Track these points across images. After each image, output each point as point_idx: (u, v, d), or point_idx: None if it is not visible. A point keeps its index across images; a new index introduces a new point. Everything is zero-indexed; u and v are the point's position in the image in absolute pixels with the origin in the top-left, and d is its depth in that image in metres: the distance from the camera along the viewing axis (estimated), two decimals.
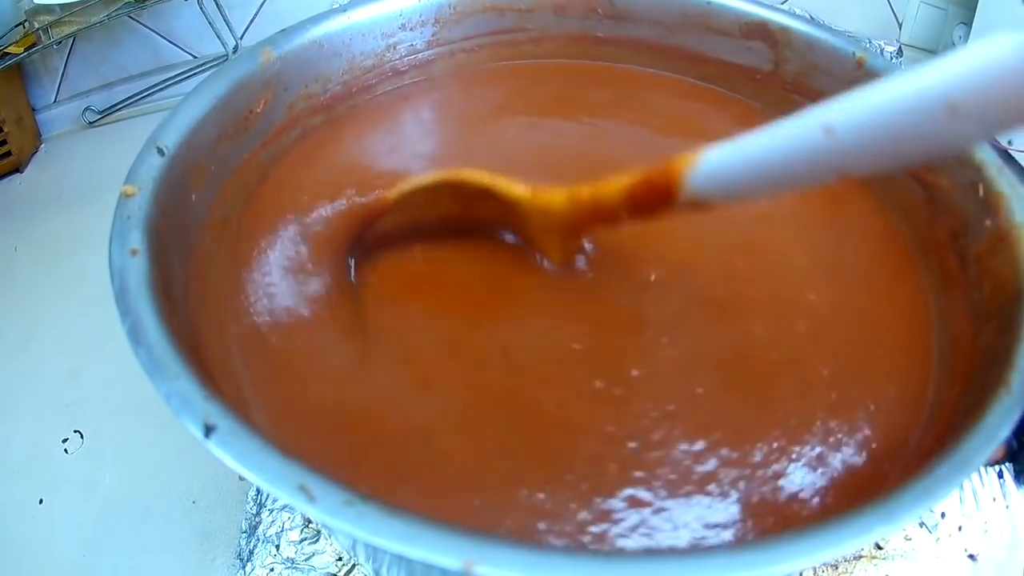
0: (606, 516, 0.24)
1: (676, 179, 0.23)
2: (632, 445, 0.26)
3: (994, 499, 0.38)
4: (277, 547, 0.38)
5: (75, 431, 0.52)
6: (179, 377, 0.20)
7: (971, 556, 0.36)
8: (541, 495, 0.24)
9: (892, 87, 0.19)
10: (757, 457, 0.26)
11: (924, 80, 0.18)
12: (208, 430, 0.18)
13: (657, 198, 0.24)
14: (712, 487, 0.25)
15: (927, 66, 0.19)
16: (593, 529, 0.24)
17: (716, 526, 0.24)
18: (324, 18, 0.39)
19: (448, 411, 0.27)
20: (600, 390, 0.28)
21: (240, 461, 0.18)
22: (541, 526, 0.23)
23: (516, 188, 0.30)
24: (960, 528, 0.37)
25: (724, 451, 0.26)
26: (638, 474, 0.25)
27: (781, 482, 0.25)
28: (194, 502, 0.48)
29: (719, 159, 0.22)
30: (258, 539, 0.39)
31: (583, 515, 0.24)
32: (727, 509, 0.25)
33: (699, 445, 0.26)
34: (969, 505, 0.37)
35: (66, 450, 0.51)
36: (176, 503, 0.48)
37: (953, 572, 0.36)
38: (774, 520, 0.24)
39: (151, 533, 0.47)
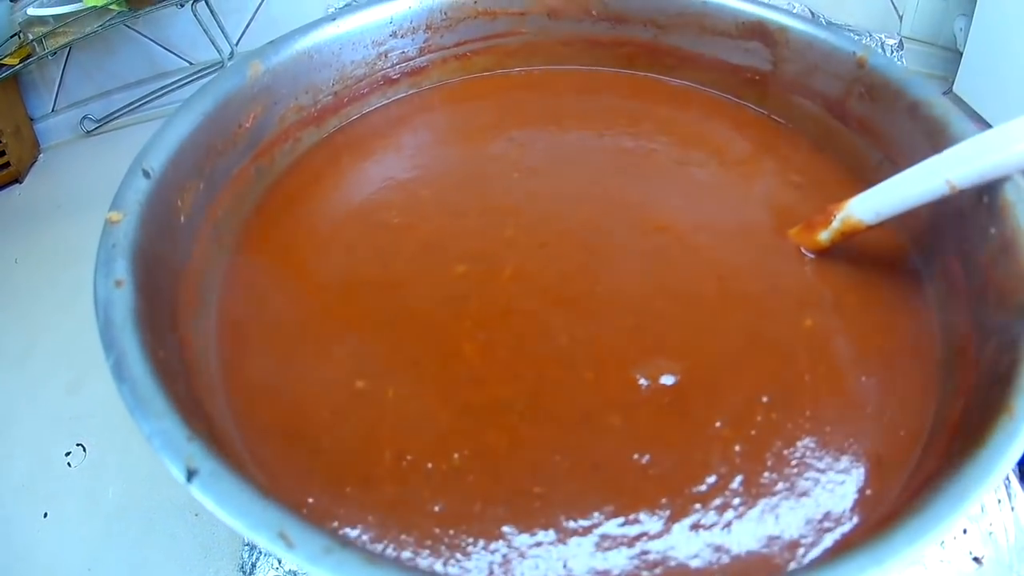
0: None
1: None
2: None
3: (999, 502, 0.37)
4: (279, 560, 0.38)
5: (78, 444, 0.52)
6: (163, 416, 0.20)
7: (976, 559, 0.36)
8: None
9: None
10: (764, 479, 0.25)
11: None
12: (190, 474, 0.18)
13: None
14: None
15: None
16: None
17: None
18: (312, 28, 0.39)
19: None
20: None
21: (221, 507, 0.18)
22: None
23: None
24: (965, 531, 0.36)
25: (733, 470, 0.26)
26: None
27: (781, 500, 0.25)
28: (197, 515, 0.48)
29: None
30: (260, 551, 0.39)
31: None
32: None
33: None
34: (974, 508, 0.37)
35: (69, 463, 0.51)
36: (179, 516, 0.48)
37: None
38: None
39: (154, 546, 0.47)
